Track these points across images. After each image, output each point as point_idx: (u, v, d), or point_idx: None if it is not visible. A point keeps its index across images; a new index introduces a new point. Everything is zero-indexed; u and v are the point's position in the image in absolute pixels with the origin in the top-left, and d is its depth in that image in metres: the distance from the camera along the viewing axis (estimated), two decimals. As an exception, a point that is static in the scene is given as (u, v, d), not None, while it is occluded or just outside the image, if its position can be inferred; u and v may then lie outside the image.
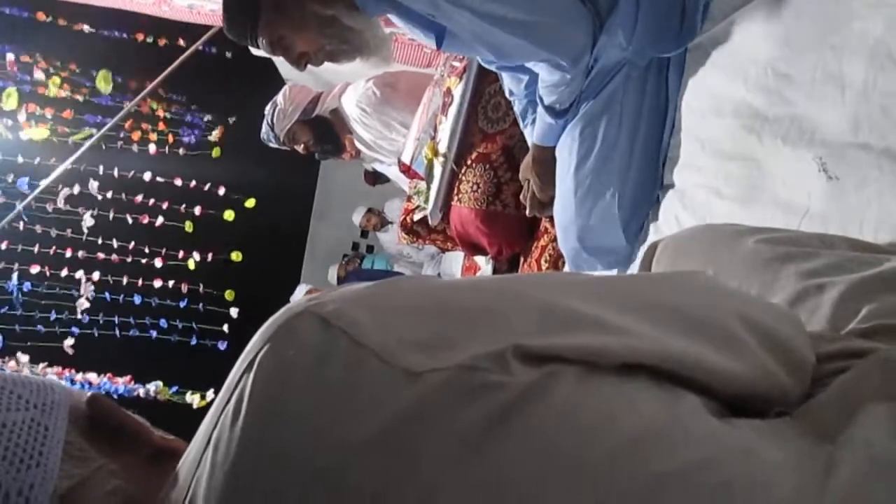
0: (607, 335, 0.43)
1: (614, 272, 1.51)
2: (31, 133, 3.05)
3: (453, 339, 0.40)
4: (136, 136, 3.56)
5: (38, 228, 3.24)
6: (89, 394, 0.50)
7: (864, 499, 0.39)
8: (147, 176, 3.50)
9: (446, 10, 1.19)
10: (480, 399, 0.37)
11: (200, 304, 3.77)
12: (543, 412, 0.38)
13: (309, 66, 1.40)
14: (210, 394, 3.56)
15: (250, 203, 3.84)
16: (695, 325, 0.47)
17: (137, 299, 3.55)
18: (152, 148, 3.60)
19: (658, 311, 0.47)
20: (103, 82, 3.12)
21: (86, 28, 3.21)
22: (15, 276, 3.09)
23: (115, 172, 3.43)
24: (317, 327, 0.40)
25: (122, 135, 3.47)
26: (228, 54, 3.58)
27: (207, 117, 3.82)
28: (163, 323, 3.70)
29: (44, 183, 3.15)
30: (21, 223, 3.23)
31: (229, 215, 3.73)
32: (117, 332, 3.51)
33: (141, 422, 0.51)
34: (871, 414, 0.46)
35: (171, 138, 3.68)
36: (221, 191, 3.78)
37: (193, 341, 3.74)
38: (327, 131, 2.58)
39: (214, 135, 3.77)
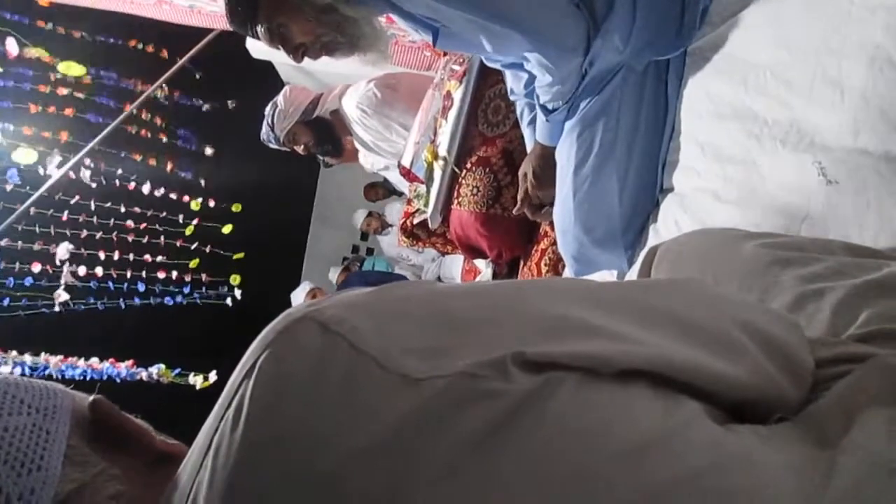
0: (607, 342, 0.43)
1: (614, 274, 1.51)
2: (20, 156, 3.05)
3: (453, 346, 0.40)
4: (135, 131, 3.57)
5: (37, 229, 3.25)
6: (91, 398, 0.50)
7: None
8: (144, 178, 3.52)
9: (431, 4, 1.20)
10: (480, 406, 0.37)
11: (202, 293, 3.79)
12: (543, 419, 0.38)
13: (310, 67, 1.42)
14: (213, 375, 3.56)
15: (250, 207, 3.85)
16: (694, 332, 0.47)
17: (141, 286, 3.56)
18: (152, 149, 3.61)
19: (658, 318, 0.47)
20: (66, 69, 3.08)
21: (84, 35, 3.21)
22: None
23: (118, 170, 3.45)
24: (316, 333, 0.40)
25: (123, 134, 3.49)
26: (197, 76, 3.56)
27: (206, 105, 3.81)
28: (168, 300, 3.71)
29: (51, 181, 3.16)
30: (21, 224, 3.24)
31: (229, 219, 3.74)
32: (122, 304, 3.52)
33: (143, 426, 0.52)
34: (871, 419, 0.46)
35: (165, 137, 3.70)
36: (220, 193, 3.79)
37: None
38: (327, 132, 2.58)
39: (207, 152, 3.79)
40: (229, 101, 3.69)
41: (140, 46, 3.40)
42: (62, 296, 3.18)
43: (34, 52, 2.91)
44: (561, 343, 0.42)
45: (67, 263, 3.19)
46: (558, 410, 0.39)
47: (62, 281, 3.18)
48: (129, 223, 3.46)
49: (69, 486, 0.45)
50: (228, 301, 3.76)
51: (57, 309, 3.18)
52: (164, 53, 3.49)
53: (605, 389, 0.40)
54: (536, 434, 0.37)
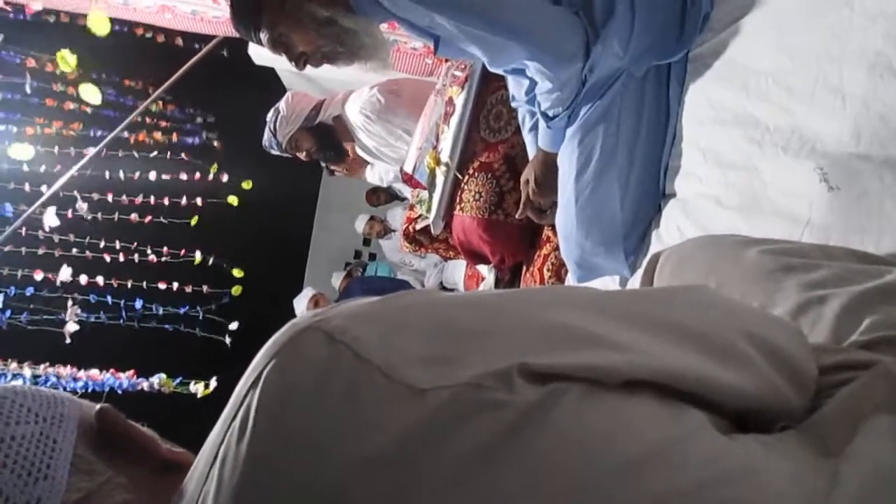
0: (611, 352, 0.43)
1: (616, 280, 1.51)
2: (17, 151, 3.05)
3: (458, 356, 0.40)
4: (141, 136, 3.58)
5: (41, 234, 3.26)
6: (98, 406, 0.50)
7: None
8: (148, 181, 3.53)
9: (429, 15, 1.21)
10: (485, 417, 0.37)
11: (200, 311, 3.79)
12: (546, 431, 0.38)
13: (312, 73, 1.43)
14: (213, 382, 3.57)
15: (252, 212, 3.85)
16: (698, 341, 0.47)
17: (139, 303, 3.56)
18: (153, 155, 3.63)
19: (662, 327, 0.47)
20: (64, 62, 3.05)
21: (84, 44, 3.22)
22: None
23: (122, 175, 3.46)
24: (321, 342, 0.40)
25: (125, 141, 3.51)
26: (224, 52, 3.57)
27: (200, 120, 3.83)
28: (168, 327, 3.72)
29: (51, 190, 3.17)
30: (23, 229, 3.24)
31: (230, 214, 3.74)
32: (122, 319, 3.53)
33: (149, 434, 0.52)
34: (875, 427, 0.46)
35: (174, 136, 3.71)
36: (221, 198, 3.80)
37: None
38: (330, 138, 2.58)
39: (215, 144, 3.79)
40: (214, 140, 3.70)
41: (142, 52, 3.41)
42: (72, 327, 3.19)
43: (62, 64, 2.90)
44: (566, 354, 0.42)
45: (71, 302, 3.20)
46: (561, 422, 0.38)
47: (68, 317, 3.20)
48: (131, 223, 3.47)
49: (76, 495, 0.45)
50: (227, 339, 3.76)
51: (68, 341, 3.19)
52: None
53: (609, 400, 0.40)
54: (539, 446, 0.37)
